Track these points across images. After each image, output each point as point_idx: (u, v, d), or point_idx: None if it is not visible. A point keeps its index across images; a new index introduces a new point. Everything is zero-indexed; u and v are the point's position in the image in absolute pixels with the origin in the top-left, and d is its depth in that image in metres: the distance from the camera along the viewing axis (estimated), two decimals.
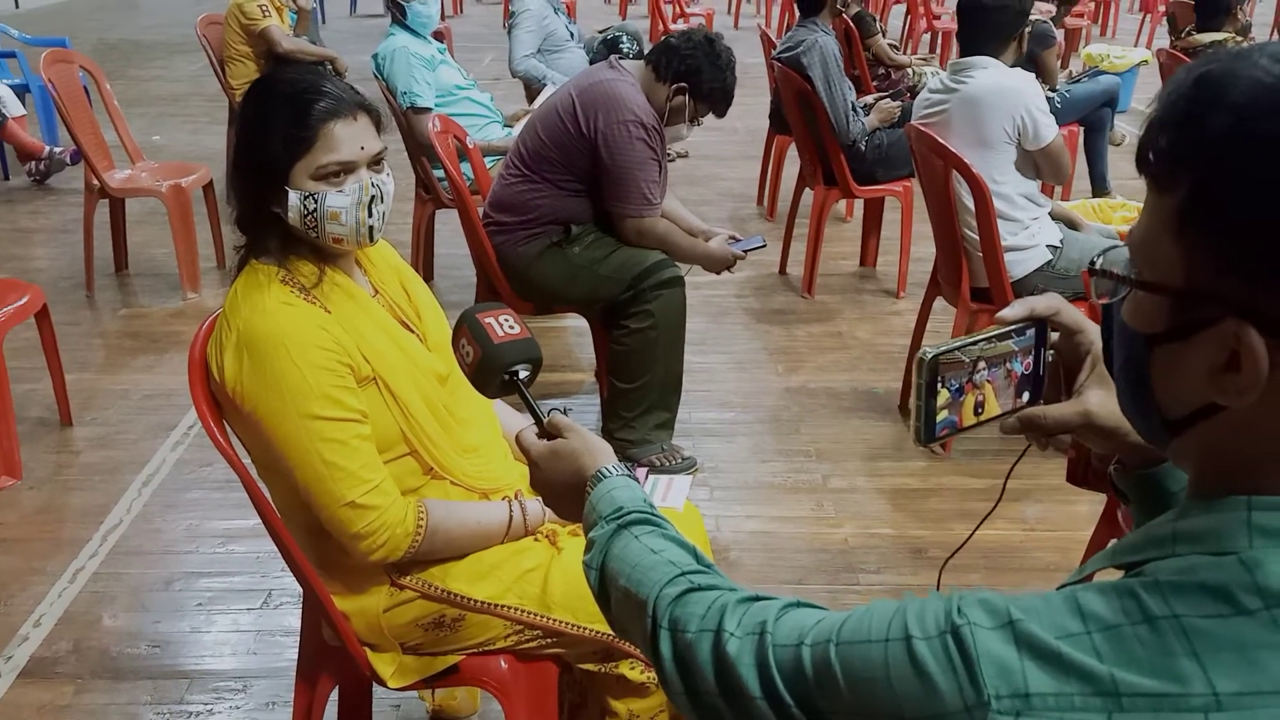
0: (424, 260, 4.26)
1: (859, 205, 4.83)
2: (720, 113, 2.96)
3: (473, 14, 12.62)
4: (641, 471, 1.60)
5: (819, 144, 4.11)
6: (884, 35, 5.93)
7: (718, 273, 3.08)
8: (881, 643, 0.68)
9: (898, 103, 4.29)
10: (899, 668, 0.67)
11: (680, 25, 9.03)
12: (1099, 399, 0.92)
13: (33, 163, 5.63)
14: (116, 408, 3.38)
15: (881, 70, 5.72)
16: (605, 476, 1.03)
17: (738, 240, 3.07)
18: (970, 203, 2.90)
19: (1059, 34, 5.32)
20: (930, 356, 0.88)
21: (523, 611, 1.58)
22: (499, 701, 1.63)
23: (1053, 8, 4.98)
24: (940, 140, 2.88)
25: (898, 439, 3.19)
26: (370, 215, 1.53)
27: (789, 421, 3.31)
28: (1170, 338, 0.68)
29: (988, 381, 0.92)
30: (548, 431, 1.13)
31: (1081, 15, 9.11)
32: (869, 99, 4.43)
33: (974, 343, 0.91)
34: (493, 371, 1.18)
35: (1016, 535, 2.69)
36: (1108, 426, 0.92)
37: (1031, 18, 3.08)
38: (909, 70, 5.65)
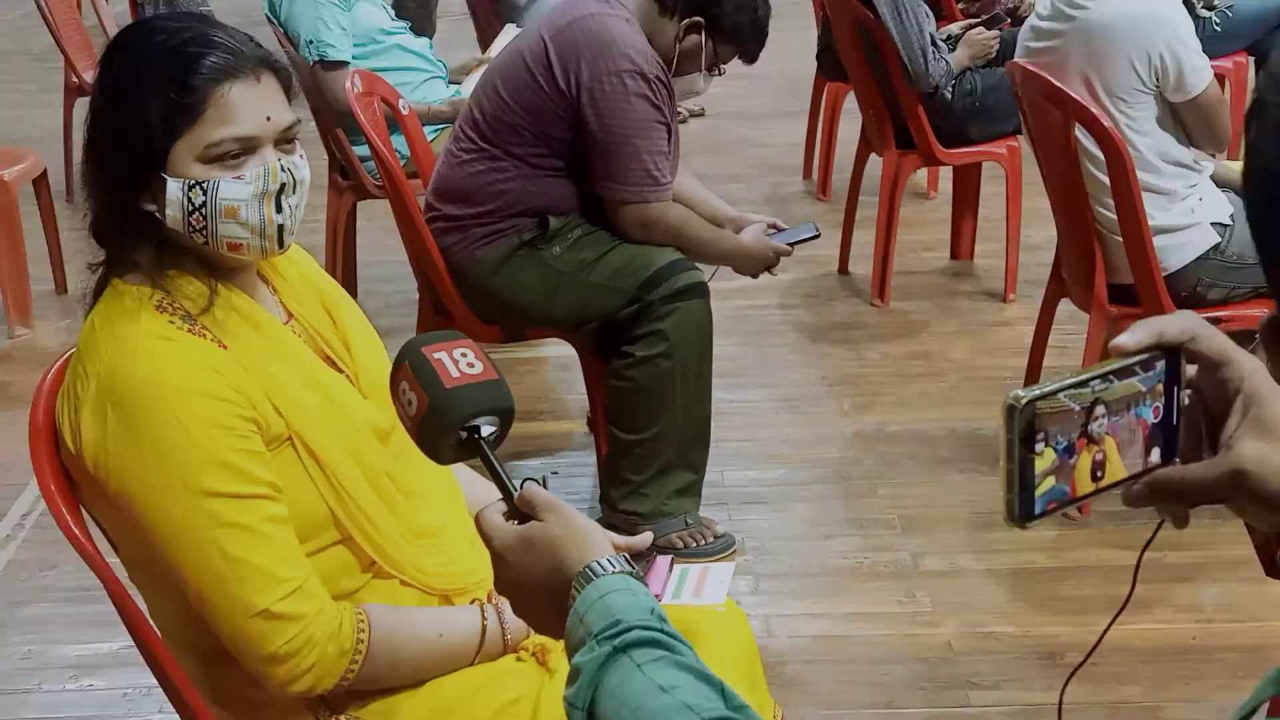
0: (343, 271, 4.29)
1: (946, 176, 4.86)
2: (750, 56, 2.99)
3: None
4: (664, 560, 1.61)
5: (887, 93, 4.13)
6: None
7: (755, 275, 3.08)
8: None
9: (994, 32, 4.30)
10: None
11: None
12: (1256, 454, 0.91)
13: None
14: None
15: None
16: (598, 574, 1.04)
17: (781, 230, 3.08)
18: (1099, 171, 2.91)
19: None
20: (1024, 403, 0.88)
21: None
22: None
23: None
24: (1055, 83, 2.90)
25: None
26: (279, 211, 1.54)
27: (862, 480, 3.31)
28: None
29: (1108, 434, 0.92)
30: (520, 510, 1.13)
31: None
32: (954, 28, 4.45)
33: (1084, 382, 0.91)
34: (445, 427, 1.19)
35: (1188, 630, 2.69)
36: (1268, 491, 0.91)
37: None
38: None
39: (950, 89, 4.12)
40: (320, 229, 4.29)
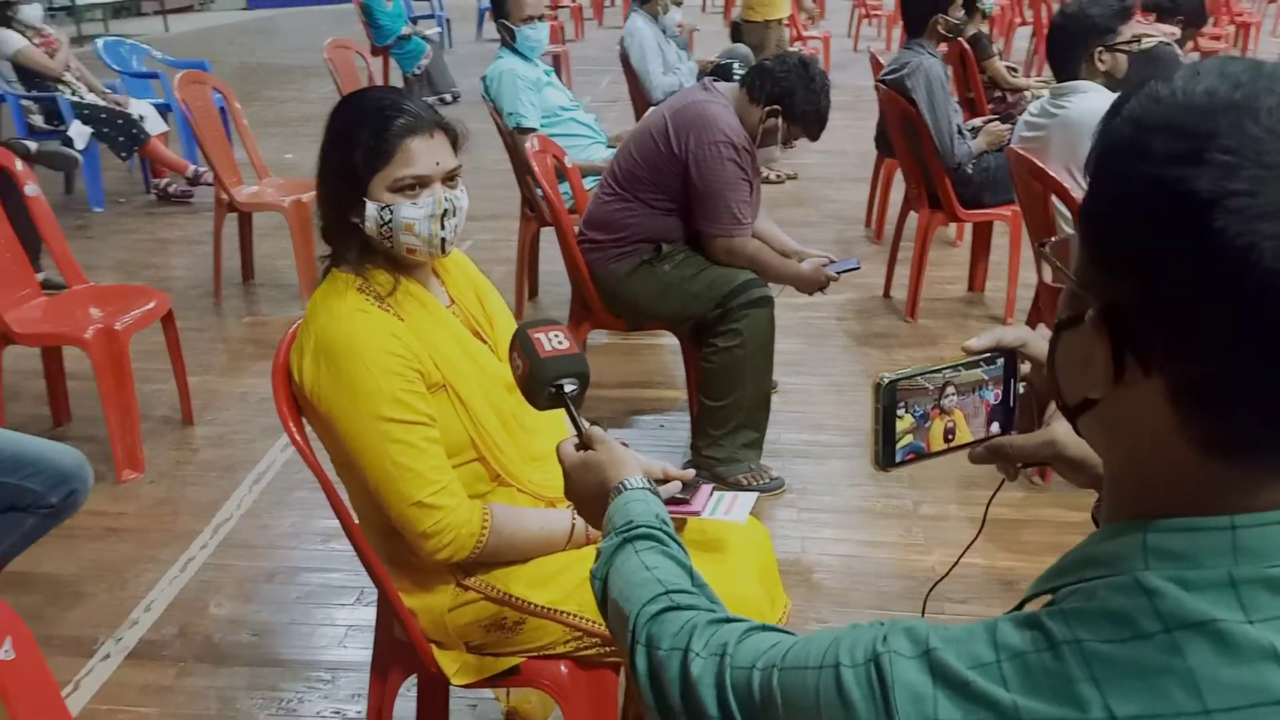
0: (529, 276, 4.33)
1: (969, 229, 4.74)
2: (814, 135, 2.95)
3: (594, 38, 12.84)
4: (706, 487, 1.61)
5: (924, 167, 4.05)
6: (1003, 57, 5.80)
7: (810, 294, 3.06)
8: (816, 670, 0.71)
9: (1007, 126, 4.17)
10: (827, 695, 0.69)
11: (798, 48, 8.99)
12: (1067, 429, 0.90)
13: (163, 182, 6.07)
14: (235, 409, 3.56)
15: (998, 93, 5.59)
16: (626, 489, 1.06)
17: (833, 262, 3.04)
18: (1069, 228, 2.82)
19: (1194, 58, 5.11)
20: (887, 382, 0.88)
21: (581, 619, 1.60)
22: (559, 705, 1.65)
23: (1177, 30, 4.77)
24: (1039, 163, 2.81)
25: (994, 468, 3.09)
26: (443, 228, 1.57)
27: None
28: (1066, 325, 0.69)
29: (957, 408, 0.92)
30: (585, 444, 1.16)
31: (1219, 38, 8.70)
32: (977, 122, 4.33)
33: (937, 370, 0.90)
34: (539, 384, 1.21)
35: None
36: (1075, 458, 0.91)
37: (1153, 39, 2.96)
38: (1026, 94, 5.50)
39: (971, 166, 4.02)
40: (514, 247, 4.36)
